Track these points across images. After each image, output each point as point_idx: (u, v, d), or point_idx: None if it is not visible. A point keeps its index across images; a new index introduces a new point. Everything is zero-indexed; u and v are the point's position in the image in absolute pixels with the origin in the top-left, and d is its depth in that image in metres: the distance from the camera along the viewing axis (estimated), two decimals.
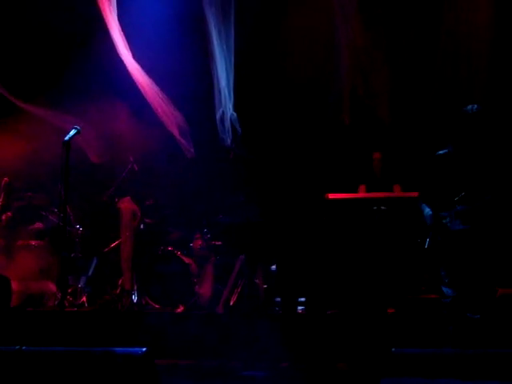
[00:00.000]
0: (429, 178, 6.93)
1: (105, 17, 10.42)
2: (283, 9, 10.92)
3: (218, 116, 10.38)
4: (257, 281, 9.45)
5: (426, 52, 10.67)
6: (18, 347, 5.20)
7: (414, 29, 10.73)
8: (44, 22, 10.62)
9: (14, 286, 9.02)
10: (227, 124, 10.34)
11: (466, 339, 6.58)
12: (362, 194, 9.89)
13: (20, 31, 10.96)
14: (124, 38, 10.41)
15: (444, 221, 6.71)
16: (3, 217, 10.21)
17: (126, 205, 10.17)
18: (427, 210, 6.85)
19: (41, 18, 10.64)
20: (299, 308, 9.21)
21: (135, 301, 9.85)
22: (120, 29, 10.42)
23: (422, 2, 10.74)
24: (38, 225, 10.28)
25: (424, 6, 10.71)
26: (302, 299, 9.21)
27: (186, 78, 10.42)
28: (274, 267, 9.51)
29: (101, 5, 10.38)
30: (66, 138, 6.96)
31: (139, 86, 10.44)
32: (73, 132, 7.08)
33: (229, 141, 10.34)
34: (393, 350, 5.19)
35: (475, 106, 6.76)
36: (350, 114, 10.61)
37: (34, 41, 10.99)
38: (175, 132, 10.48)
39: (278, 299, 9.30)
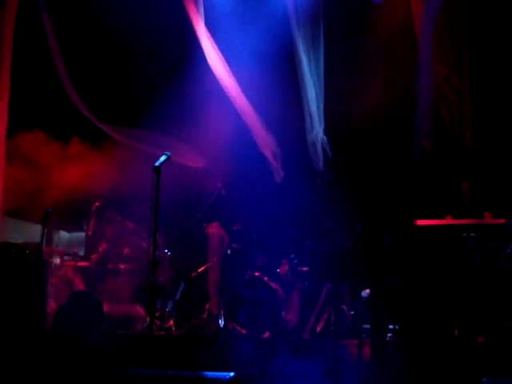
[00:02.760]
0: None
1: (197, 32, 10.58)
2: (367, 32, 10.87)
3: (309, 140, 10.39)
4: (344, 307, 9.38)
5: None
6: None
7: (500, 51, 10.56)
8: (137, 48, 10.86)
9: (104, 308, 9.17)
10: (319, 148, 10.35)
11: None
12: (451, 220, 9.73)
13: (110, 57, 11.19)
14: (221, 56, 10.53)
15: None
16: (100, 248, 10.44)
17: (214, 230, 10.27)
18: None
19: (132, 43, 10.88)
20: (388, 335, 9.10)
21: (222, 325, 9.90)
22: (215, 46, 10.54)
23: (508, 26, 10.55)
24: (128, 249, 10.44)
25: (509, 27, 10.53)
26: (391, 326, 9.12)
27: (276, 102, 10.46)
28: (363, 293, 9.43)
29: (192, 17, 10.53)
30: (157, 163, 7.05)
31: (236, 106, 10.53)
32: (163, 158, 7.18)
33: (321, 164, 10.34)
34: (484, 380, 5.10)
35: None
36: (436, 142, 10.45)
37: (127, 68, 11.22)
38: (269, 155, 10.52)
39: (366, 326, 9.20)
